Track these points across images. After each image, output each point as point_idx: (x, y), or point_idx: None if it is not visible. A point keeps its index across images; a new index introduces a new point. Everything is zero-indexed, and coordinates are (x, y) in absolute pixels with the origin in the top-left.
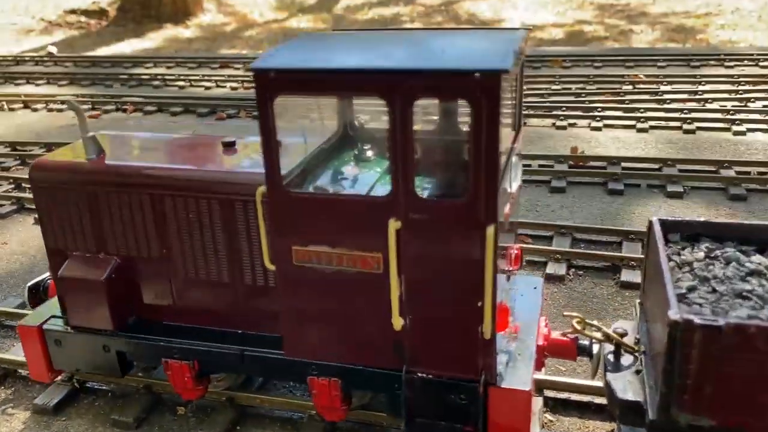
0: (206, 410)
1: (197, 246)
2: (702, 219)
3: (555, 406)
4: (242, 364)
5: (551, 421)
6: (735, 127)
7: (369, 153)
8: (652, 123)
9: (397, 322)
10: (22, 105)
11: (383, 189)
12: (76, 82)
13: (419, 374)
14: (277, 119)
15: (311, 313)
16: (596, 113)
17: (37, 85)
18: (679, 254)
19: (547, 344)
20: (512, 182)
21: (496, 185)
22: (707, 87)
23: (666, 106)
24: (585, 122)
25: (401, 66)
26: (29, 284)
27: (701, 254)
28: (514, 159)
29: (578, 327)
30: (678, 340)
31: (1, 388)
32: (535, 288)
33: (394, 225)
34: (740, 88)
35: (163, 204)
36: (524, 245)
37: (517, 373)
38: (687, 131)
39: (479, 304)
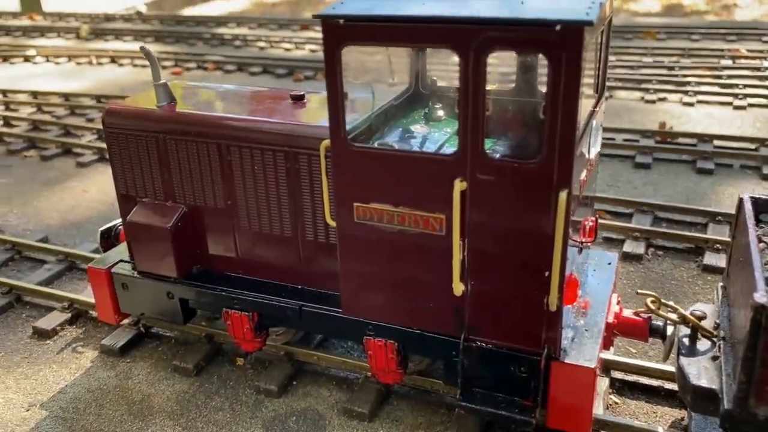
0: (264, 363)
1: (261, 199)
2: None
3: (622, 388)
4: (300, 320)
5: (616, 403)
6: None
7: (440, 112)
8: (751, 100)
9: (458, 288)
10: (109, 60)
11: (451, 149)
12: (161, 39)
13: (478, 343)
14: (345, 71)
15: (370, 273)
16: (689, 88)
17: (125, 41)
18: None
19: (617, 322)
20: (591, 148)
21: (572, 148)
22: None
23: (765, 83)
24: (677, 97)
25: (475, 15)
26: (101, 229)
27: None
28: (594, 124)
29: (652, 306)
30: (763, 325)
31: (73, 327)
32: (609, 264)
33: (459, 186)
34: None
35: (230, 154)
36: (602, 220)
37: (582, 349)
38: None
39: (546, 274)
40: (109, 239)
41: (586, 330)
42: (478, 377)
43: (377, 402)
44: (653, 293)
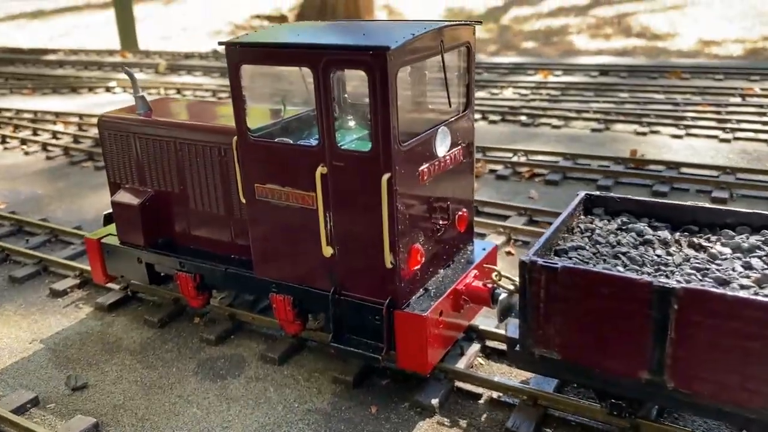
0: (214, 322)
1: (203, 185)
2: (627, 197)
3: (492, 353)
4: (226, 280)
5: (481, 364)
6: None
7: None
8: (739, 134)
9: (327, 251)
10: (176, 90)
11: (315, 142)
12: (225, 74)
13: (345, 296)
14: (245, 84)
15: (271, 241)
16: (683, 122)
17: (194, 75)
18: (592, 222)
19: (465, 290)
20: (438, 148)
21: (390, 143)
22: None
23: (763, 118)
24: (669, 130)
25: (320, 42)
26: (105, 213)
27: (614, 225)
28: (442, 129)
29: (494, 278)
30: (527, 279)
31: (80, 290)
32: (484, 249)
33: (320, 170)
34: None
35: (181, 149)
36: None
37: (422, 303)
38: None
39: (382, 238)
40: (109, 220)
41: (434, 291)
42: (345, 324)
43: (288, 351)
44: (496, 268)
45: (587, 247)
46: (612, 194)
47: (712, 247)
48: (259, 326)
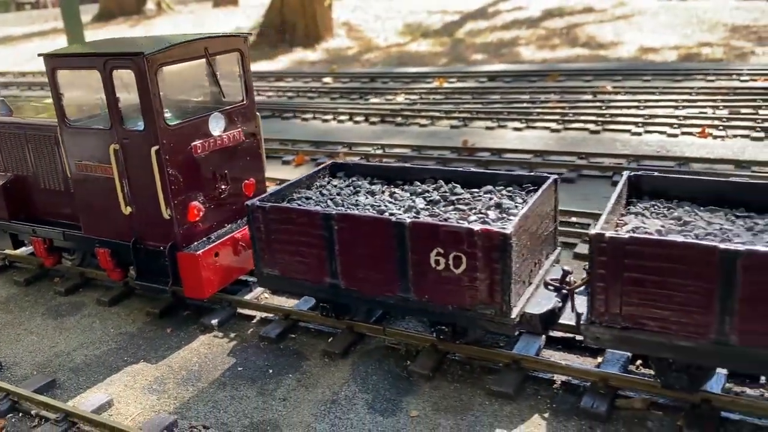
0: (68, 281)
1: (46, 167)
2: (360, 161)
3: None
4: (66, 241)
5: (266, 297)
6: (634, 128)
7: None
8: (568, 125)
9: (126, 210)
10: None
11: (107, 125)
12: None
13: (142, 245)
14: (62, 86)
15: (89, 205)
16: (528, 117)
17: None
18: (329, 182)
19: (242, 237)
20: (212, 129)
21: (155, 123)
22: (653, 97)
23: (602, 111)
24: (515, 124)
25: (103, 51)
26: None
27: (344, 183)
28: (215, 114)
29: None
30: (251, 218)
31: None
32: None
33: (113, 146)
34: (672, 97)
35: (28, 141)
36: None
37: (200, 247)
38: (593, 131)
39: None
40: None
41: (214, 238)
42: (144, 268)
43: (119, 296)
44: None
45: (313, 197)
46: (351, 161)
47: (399, 193)
48: (103, 280)
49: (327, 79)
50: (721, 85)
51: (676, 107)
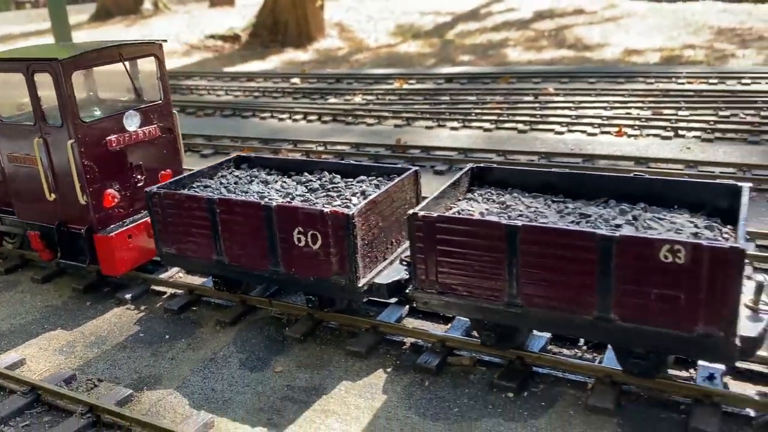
0: (9, 260)
1: None
2: (262, 155)
3: (191, 270)
4: (5, 225)
5: (181, 276)
6: (558, 128)
7: (94, 108)
8: (500, 125)
9: (50, 197)
10: None
11: (31, 122)
12: None
13: (65, 228)
14: None
15: (21, 192)
16: (467, 118)
17: None
18: (233, 173)
19: (144, 227)
20: (128, 125)
21: (70, 119)
22: (588, 99)
23: (536, 112)
24: (453, 124)
25: (26, 56)
26: None
27: (246, 174)
28: (130, 112)
29: None
30: (150, 202)
31: None
32: None
33: (37, 140)
34: (607, 98)
35: None
36: None
37: (114, 230)
38: (521, 131)
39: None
40: None
41: (129, 222)
42: (68, 247)
43: (51, 275)
44: None
45: (211, 185)
46: (255, 155)
47: (287, 182)
48: (38, 261)
49: (295, 80)
50: (659, 87)
51: (605, 108)
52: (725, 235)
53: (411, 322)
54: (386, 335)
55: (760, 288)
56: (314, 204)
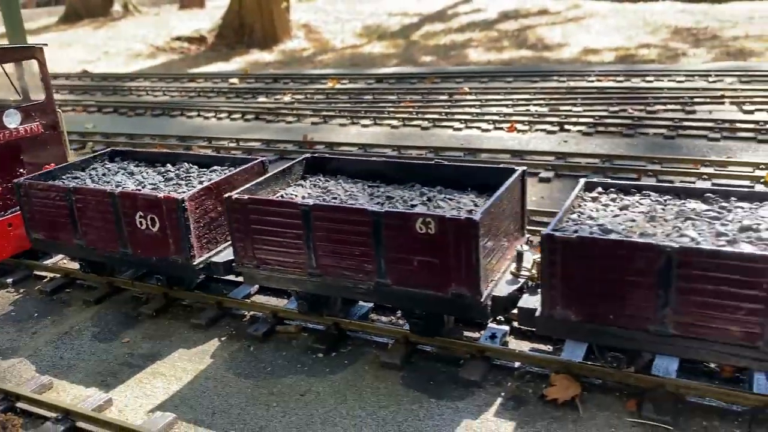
0: None
1: None
2: (136, 149)
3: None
4: None
5: (65, 263)
6: (457, 125)
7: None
8: (406, 123)
9: None
10: None
11: None
12: (89, 91)
13: None
14: None
15: None
16: (380, 115)
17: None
18: (103, 166)
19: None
20: (10, 124)
21: None
22: (497, 97)
23: (444, 110)
24: (365, 122)
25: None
26: None
27: (116, 166)
28: (10, 110)
29: None
30: (19, 192)
31: None
32: None
33: None
34: (514, 96)
35: None
36: None
37: None
38: (424, 128)
39: None
40: None
41: (12, 212)
42: None
43: None
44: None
45: (81, 176)
46: (129, 149)
47: (149, 173)
48: None
49: (233, 80)
50: (568, 85)
51: (507, 106)
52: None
53: (259, 299)
54: (230, 309)
55: (519, 256)
56: (163, 191)
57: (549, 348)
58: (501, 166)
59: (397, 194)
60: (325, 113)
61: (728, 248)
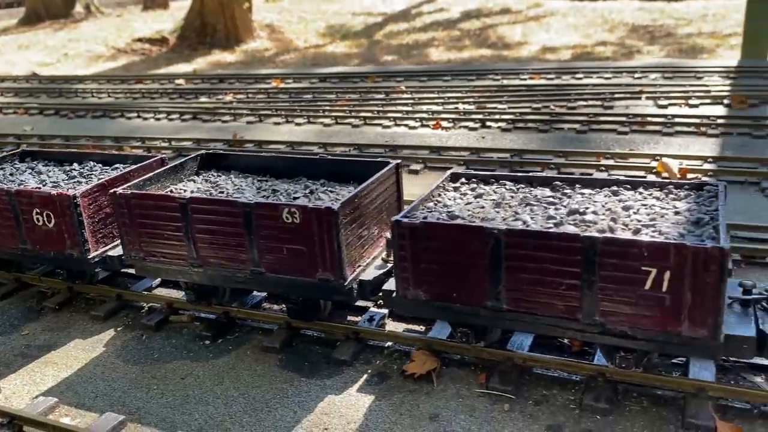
0: None
1: None
2: (46, 149)
3: None
4: None
5: None
6: (387, 122)
7: None
8: (338, 120)
9: None
10: None
11: None
12: (34, 93)
13: None
14: None
15: None
16: (313, 114)
17: (5, 96)
18: (12, 165)
19: None
20: None
21: None
22: (430, 95)
23: (377, 108)
24: (298, 120)
25: None
26: None
27: (25, 166)
28: None
29: None
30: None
31: None
32: None
33: None
34: (447, 95)
35: None
36: None
37: None
38: (355, 126)
39: None
40: None
41: None
42: None
43: None
44: None
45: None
46: (40, 149)
47: (53, 171)
48: None
49: (179, 81)
50: (501, 83)
51: (437, 104)
52: None
53: (160, 291)
54: (130, 302)
55: (389, 243)
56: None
57: (422, 328)
58: (378, 159)
59: (283, 187)
60: (262, 112)
61: (553, 230)
